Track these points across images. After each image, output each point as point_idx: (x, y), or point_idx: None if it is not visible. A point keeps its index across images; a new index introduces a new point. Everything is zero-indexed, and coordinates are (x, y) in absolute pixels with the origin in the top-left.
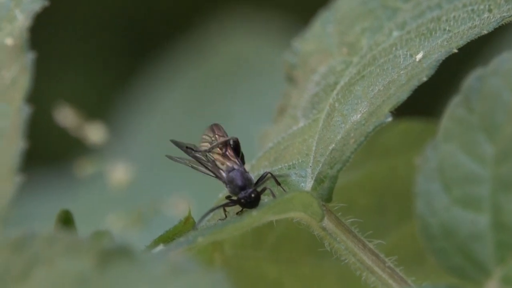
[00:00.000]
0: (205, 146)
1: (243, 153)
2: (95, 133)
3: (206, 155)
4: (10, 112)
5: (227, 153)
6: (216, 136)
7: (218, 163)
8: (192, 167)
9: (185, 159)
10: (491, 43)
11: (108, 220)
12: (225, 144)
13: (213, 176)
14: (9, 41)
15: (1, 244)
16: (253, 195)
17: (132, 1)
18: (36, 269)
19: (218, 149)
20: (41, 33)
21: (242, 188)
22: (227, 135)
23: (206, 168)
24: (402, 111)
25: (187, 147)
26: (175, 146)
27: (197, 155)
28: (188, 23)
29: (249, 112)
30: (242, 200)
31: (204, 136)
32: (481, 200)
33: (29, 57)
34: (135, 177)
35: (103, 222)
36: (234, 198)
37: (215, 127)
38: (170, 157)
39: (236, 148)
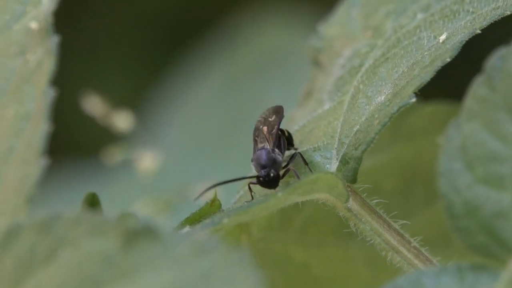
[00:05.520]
0: (258, 125)
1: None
2: (123, 121)
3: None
4: (35, 95)
5: (263, 128)
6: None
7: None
8: None
9: None
10: None
11: (136, 206)
12: (264, 121)
13: None
14: (34, 25)
15: (27, 226)
16: (271, 175)
17: None
18: (61, 250)
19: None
20: (77, 24)
21: (263, 167)
22: (276, 115)
23: None
24: (429, 94)
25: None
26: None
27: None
28: (221, 14)
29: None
30: (260, 178)
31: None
32: (504, 178)
33: (54, 40)
34: (164, 166)
35: (131, 208)
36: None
37: (279, 108)
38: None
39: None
